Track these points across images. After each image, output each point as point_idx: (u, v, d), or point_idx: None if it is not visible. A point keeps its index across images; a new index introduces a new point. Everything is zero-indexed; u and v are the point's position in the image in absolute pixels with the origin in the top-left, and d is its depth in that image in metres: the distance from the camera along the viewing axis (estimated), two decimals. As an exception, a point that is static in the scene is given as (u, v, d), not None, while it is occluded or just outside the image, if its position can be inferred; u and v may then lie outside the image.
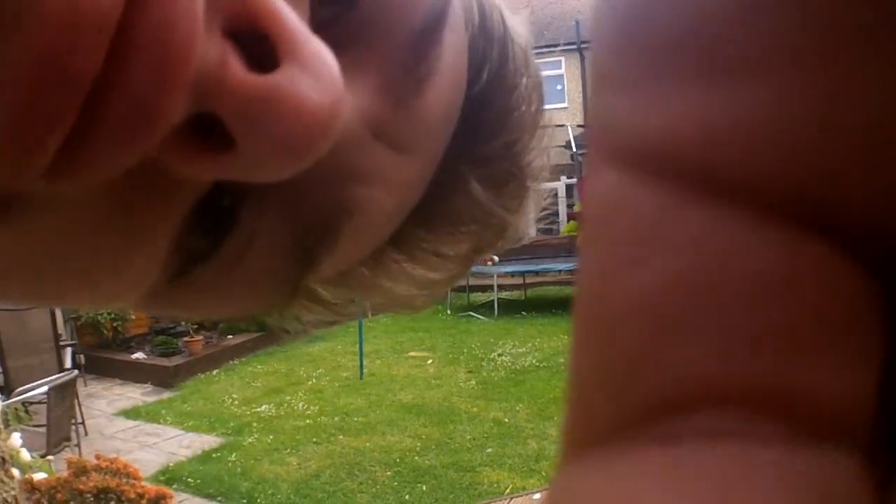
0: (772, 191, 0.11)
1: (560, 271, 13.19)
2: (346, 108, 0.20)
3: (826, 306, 0.11)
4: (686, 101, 0.12)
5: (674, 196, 0.12)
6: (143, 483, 3.56)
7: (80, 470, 3.41)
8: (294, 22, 0.18)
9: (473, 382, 7.59)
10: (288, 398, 7.38)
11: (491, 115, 0.30)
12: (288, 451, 5.96)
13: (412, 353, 9.10)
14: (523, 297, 12.73)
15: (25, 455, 3.43)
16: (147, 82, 0.16)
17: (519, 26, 0.31)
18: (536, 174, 0.33)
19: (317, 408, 7.03)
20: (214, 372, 8.64)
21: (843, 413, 0.11)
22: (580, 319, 0.13)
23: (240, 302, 0.27)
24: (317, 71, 0.18)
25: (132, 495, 3.35)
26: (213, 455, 5.96)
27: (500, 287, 12.11)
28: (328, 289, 0.32)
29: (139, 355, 8.78)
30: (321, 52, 0.19)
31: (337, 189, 0.24)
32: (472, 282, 12.95)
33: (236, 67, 0.18)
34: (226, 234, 0.23)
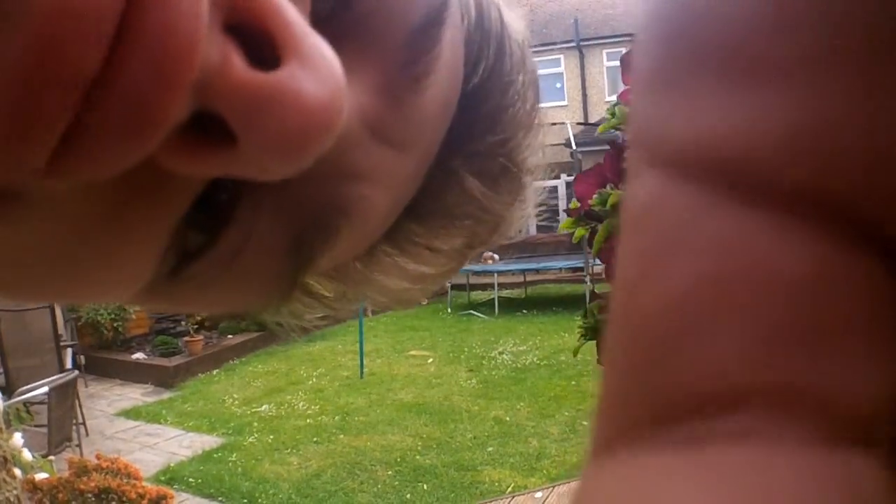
0: (804, 195, 0.12)
1: (560, 269, 13.20)
2: (347, 105, 0.20)
3: (853, 310, 0.12)
4: (726, 106, 0.12)
5: (709, 198, 0.12)
6: (144, 483, 3.57)
7: (81, 470, 3.41)
8: (295, 17, 0.18)
9: (474, 381, 7.60)
10: (288, 398, 7.39)
11: (486, 111, 0.30)
12: (288, 450, 5.97)
13: (413, 352, 9.10)
14: (524, 296, 12.74)
15: (27, 455, 3.44)
16: (149, 82, 0.16)
17: (516, 22, 0.31)
18: (531, 170, 0.33)
19: (317, 407, 7.03)
20: (214, 372, 8.65)
21: (868, 415, 0.12)
22: (614, 318, 0.14)
23: (236, 297, 0.27)
24: (318, 67, 0.18)
25: (133, 495, 3.36)
26: (214, 455, 5.96)
27: (501, 285, 12.12)
28: (322, 282, 0.32)
29: (139, 355, 8.79)
30: (322, 48, 0.18)
31: (335, 187, 0.24)
32: (473, 280, 12.97)
33: (238, 64, 0.17)
34: (222, 231, 0.23)
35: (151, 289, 0.24)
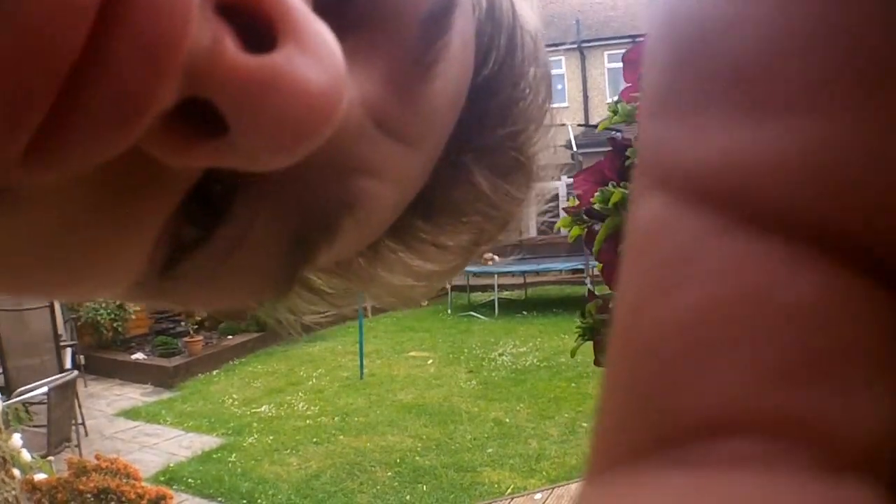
0: (813, 224, 0.12)
1: (561, 271, 13.21)
2: (348, 94, 0.19)
3: (859, 340, 0.12)
4: (736, 132, 0.12)
5: (715, 225, 0.12)
6: (143, 483, 3.57)
7: (80, 470, 3.41)
8: None
9: (474, 382, 7.60)
10: (288, 398, 7.38)
11: (497, 104, 0.29)
12: (288, 451, 5.96)
13: (413, 353, 9.10)
14: (524, 297, 12.74)
15: (26, 455, 3.44)
16: (135, 67, 0.15)
17: (529, 14, 0.30)
18: (542, 166, 0.32)
19: (317, 408, 7.03)
20: (214, 372, 8.64)
21: (870, 447, 0.12)
22: (614, 339, 0.13)
23: (233, 293, 0.26)
24: (317, 52, 0.17)
25: (132, 496, 3.35)
26: (214, 455, 5.96)
27: (501, 286, 12.12)
28: (324, 278, 0.32)
29: (139, 356, 8.79)
30: (322, 32, 0.17)
31: (338, 181, 0.23)
32: (473, 281, 12.97)
33: (230, 48, 0.16)
34: (218, 225, 0.22)
35: (145, 284, 0.23)
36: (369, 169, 0.24)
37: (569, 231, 1.41)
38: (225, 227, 0.22)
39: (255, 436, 6.35)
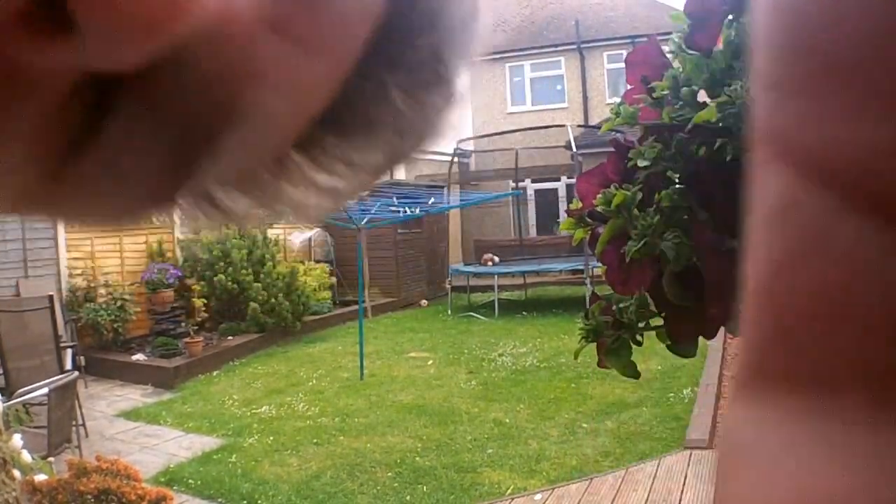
0: None
1: (560, 271, 13.21)
2: None
3: None
4: (864, 117, 0.13)
5: (837, 208, 0.14)
6: (144, 484, 3.57)
7: (80, 471, 3.41)
8: None
9: (474, 383, 7.60)
10: (288, 399, 7.38)
11: (417, 15, 0.27)
12: (288, 452, 5.96)
13: (413, 354, 9.10)
14: (524, 298, 12.74)
15: (26, 456, 3.43)
16: None
17: None
18: (461, 80, 0.30)
19: (317, 409, 7.03)
20: (215, 373, 8.64)
21: None
22: (754, 296, 0.16)
23: (118, 201, 0.25)
24: None
25: (133, 497, 3.35)
26: (214, 456, 5.96)
27: (501, 287, 12.12)
28: (228, 194, 0.30)
29: (139, 357, 8.79)
30: None
31: (224, 89, 0.22)
32: (473, 282, 12.99)
33: None
34: (99, 131, 0.21)
35: (28, 193, 0.23)
36: (261, 76, 0.22)
37: (570, 232, 1.41)
38: (107, 133, 0.21)
39: (256, 437, 6.35)
